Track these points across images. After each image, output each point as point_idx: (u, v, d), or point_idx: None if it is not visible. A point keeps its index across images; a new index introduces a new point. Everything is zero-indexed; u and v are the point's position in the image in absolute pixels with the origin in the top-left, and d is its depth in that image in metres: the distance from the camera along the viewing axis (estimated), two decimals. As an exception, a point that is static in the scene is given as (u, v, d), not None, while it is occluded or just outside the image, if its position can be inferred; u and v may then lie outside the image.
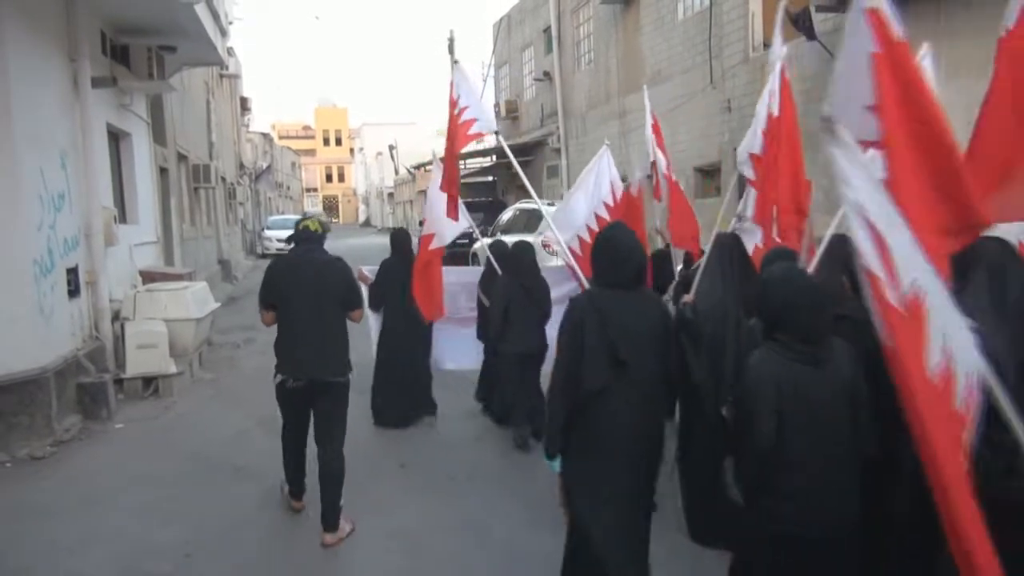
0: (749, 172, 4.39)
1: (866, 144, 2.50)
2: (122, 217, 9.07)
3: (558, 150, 19.04)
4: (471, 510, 4.71)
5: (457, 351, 6.94)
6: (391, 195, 49.13)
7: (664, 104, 13.47)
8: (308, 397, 4.32)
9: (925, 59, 4.07)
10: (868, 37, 2.70)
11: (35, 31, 6.45)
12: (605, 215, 5.80)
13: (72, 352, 6.74)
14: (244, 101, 26.36)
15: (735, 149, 11.63)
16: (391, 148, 43.39)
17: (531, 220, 12.88)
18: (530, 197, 7.09)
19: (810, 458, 2.52)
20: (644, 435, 3.02)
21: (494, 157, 23.13)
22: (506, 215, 15.74)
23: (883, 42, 2.74)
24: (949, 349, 2.08)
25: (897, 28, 2.73)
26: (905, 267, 2.09)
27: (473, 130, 5.47)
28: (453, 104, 5.51)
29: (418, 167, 31.03)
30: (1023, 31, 3.47)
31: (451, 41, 26.62)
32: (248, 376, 8.65)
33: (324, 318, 4.27)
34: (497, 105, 23.94)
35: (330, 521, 4.29)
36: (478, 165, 25.71)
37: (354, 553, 4.22)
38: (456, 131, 5.52)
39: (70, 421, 6.37)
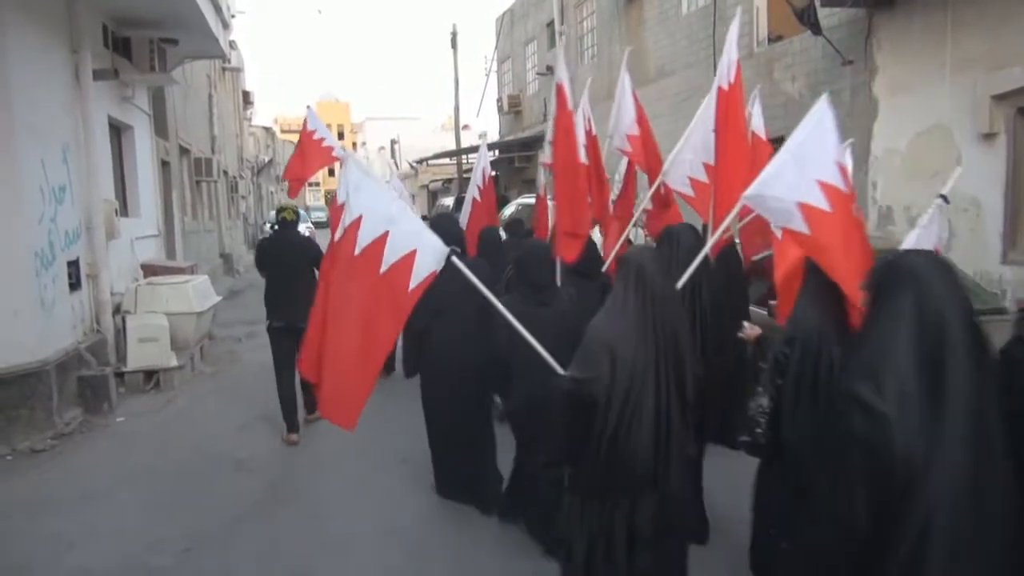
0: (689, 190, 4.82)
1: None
2: (123, 210, 9.06)
3: (561, 145, 18.97)
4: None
5: None
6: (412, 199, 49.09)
7: (668, 99, 13.41)
8: (289, 336, 5.75)
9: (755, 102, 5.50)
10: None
11: (36, 23, 6.42)
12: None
13: (73, 345, 6.73)
14: (246, 95, 26.30)
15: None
16: (393, 143, 43.32)
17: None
18: (532, 192, 7.13)
19: None
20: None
21: (496, 152, 23.10)
22: (508, 210, 15.70)
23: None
24: None
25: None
26: None
27: (418, 278, 3.01)
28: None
29: (420, 162, 30.95)
30: (739, 83, 4.26)
31: (454, 35, 26.53)
32: (249, 370, 8.63)
33: (296, 280, 5.77)
34: (500, 99, 23.88)
35: (310, 408, 6.21)
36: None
37: (354, 549, 4.22)
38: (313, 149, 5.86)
39: (71, 414, 6.36)
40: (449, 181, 31.49)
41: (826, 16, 8.80)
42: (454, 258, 3.08)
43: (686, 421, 2.68)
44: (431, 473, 4.85)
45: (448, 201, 21.97)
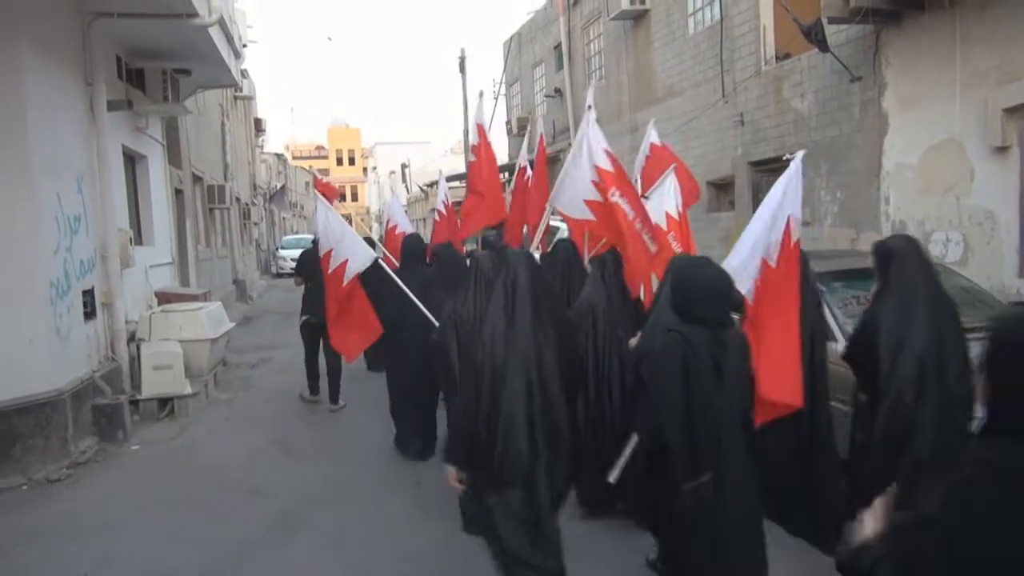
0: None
1: None
2: (138, 239, 9.14)
3: (570, 166, 19.02)
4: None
5: None
6: (404, 213, 49.25)
7: (676, 119, 13.44)
8: (317, 330, 7.36)
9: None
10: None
11: (52, 56, 6.53)
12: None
13: (88, 374, 6.76)
14: (258, 122, 26.62)
15: (749, 163, 11.57)
16: (404, 167, 43.63)
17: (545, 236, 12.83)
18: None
19: None
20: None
21: (507, 174, 23.20)
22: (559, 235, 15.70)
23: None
24: None
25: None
26: None
27: (349, 274, 5.20)
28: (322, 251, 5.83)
29: (430, 185, 31.14)
30: (543, 161, 6.63)
31: (462, 60, 26.82)
32: (263, 396, 8.65)
33: (321, 285, 6.33)
34: (509, 122, 24.02)
35: (334, 397, 7.72)
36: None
37: None
38: (333, 281, 5.49)
39: (86, 443, 6.38)
40: (459, 203, 31.62)
41: (833, 33, 8.82)
42: (380, 261, 5.47)
43: (558, 402, 3.10)
44: (447, 498, 4.80)
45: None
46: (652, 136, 6.75)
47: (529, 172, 7.18)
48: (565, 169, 5.11)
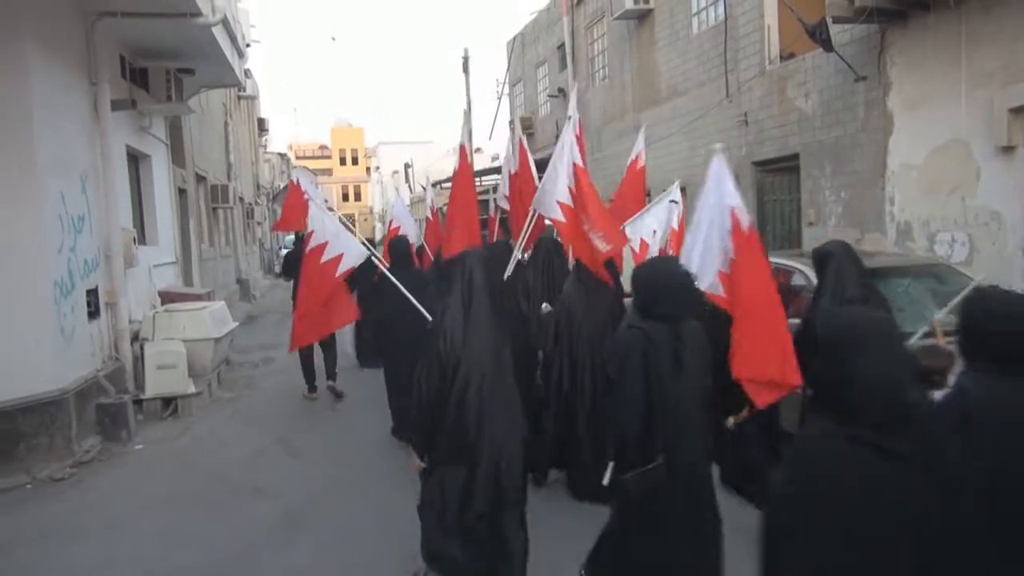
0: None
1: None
2: (141, 238, 9.16)
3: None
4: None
5: None
6: (408, 213, 49.25)
7: (680, 119, 13.44)
8: None
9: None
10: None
11: (56, 55, 6.55)
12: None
13: (92, 373, 6.77)
14: (261, 122, 26.65)
15: (753, 163, 11.55)
16: (407, 167, 43.62)
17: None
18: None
19: None
20: None
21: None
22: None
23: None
24: None
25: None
26: None
27: (343, 267, 5.29)
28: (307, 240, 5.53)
29: (434, 185, 31.13)
30: (525, 168, 6.52)
31: (466, 60, 26.80)
32: (267, 395, 8.66)
33: None
34: (512, 122, 24.00)
35: (331, 375, 8.25)
36: (495, 181, 25.75)
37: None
38: (323, 272, 5.34)
39: (90, 442, 6.39)
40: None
41: (838, 32, 8.80)
42: (374, 260, 5.70)
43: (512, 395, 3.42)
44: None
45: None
46: (640, 144, 7.10)
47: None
48: (547, 173, 5.50)
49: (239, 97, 20.40)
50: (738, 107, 11.60)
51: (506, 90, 24.49)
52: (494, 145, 30.86)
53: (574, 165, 5.22)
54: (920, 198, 8.23)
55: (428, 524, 3.51)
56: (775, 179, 11.19)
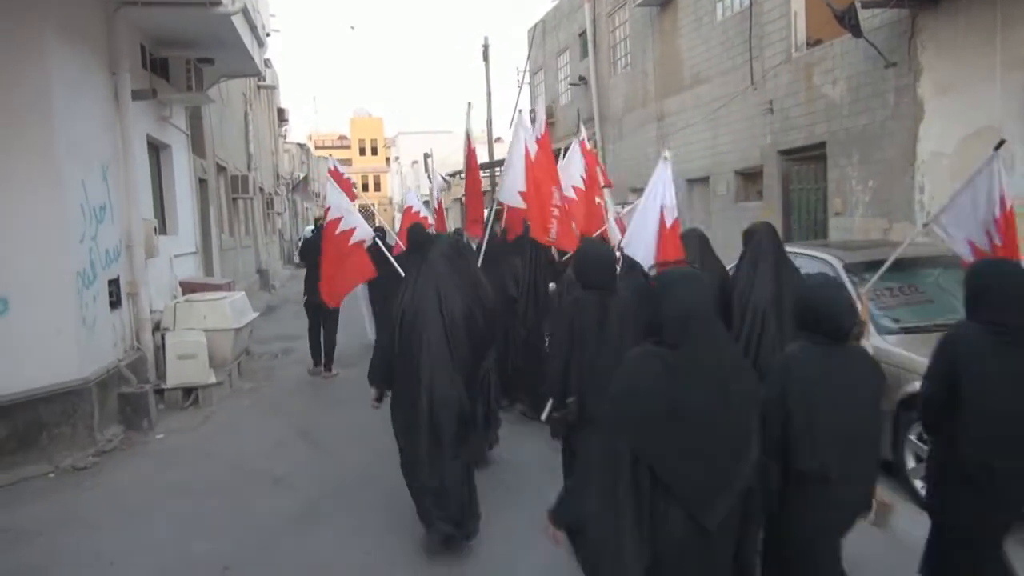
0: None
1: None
2: (162, 228, 9.22)
3: (594, 156, 18.89)
4: (516, 524, 4.58)
5: None
6: (426, 203, 49.36)
7: (704, 106, 13.28)
8: (317, 308, 8.60)
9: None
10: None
11: (77, 46, 6.58)
12: None
13: (114, 363, 6.84)
14: (281, 112, 26.77)
15: (779, 152, 11.39)
16: (426, 156, 43.64)
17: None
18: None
19: None
20: None
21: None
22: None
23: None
24: None
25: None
26: None
27: (354, 240, 6.31)
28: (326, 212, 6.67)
29: (453, 175, 31.11)
30: (546, 140, 6.50)
31: (486, 48, 26.71)
32: (286, 386, 8.71)
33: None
34: (532, 111, 23.92)
35: (328, 365, 9.04)
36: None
37: (399, 565, 4.17)
38: (339, 242, 6.33)
39: (112, 431, 6.46)
40: (485, 193, 31.52)
41: (867, 18, 8.63)
42: (378, 242, 6.71)
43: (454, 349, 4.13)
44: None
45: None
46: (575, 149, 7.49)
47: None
48: (505, 167, 6.42)
49: (259, 87, 20.50)
50: (763, 95, 11.44)
51: (527, 79, 24.38)
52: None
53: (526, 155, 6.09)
54: (951, 187, 8.04)
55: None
56: (801, 168, 11.03)
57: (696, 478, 2.30)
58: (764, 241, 4.68)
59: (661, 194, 4.95)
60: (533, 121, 7.09)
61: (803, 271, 4.86)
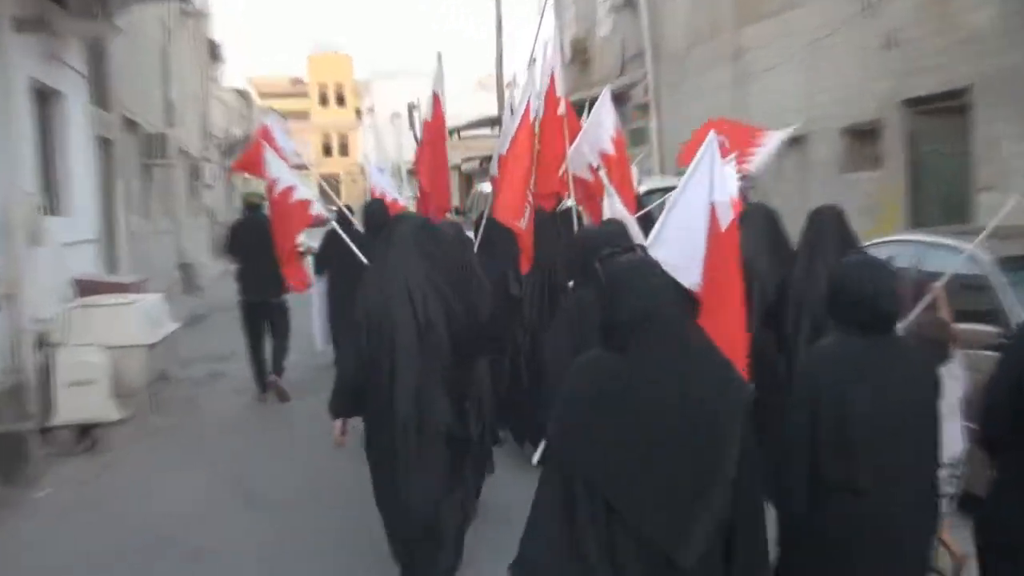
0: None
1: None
2: (51, 207, 9.27)
3: (645, 106, 18.88)
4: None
5: None
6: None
7: (796, 39, 13.24)
8: (260, 311, 9.26)
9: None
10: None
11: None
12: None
13: (-19, 391, 6.89)
14: (213, 47, 26.94)
15: (902, 102, 11.34)
16: (411, 108, 43.63)
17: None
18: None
19: None
20: None
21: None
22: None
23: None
24: None
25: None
26: None
27: (314, 211, 7.20)
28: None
29: (449, 133, 31.13)
30: (552, 108, 6.98)
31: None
32: (216, 423, 8.76)
33: (264, 258, 7.87)
34: (560, 46, 23.94)
35: (277, 370, 9.46)
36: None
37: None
38: (293, 212, 7.09)
39: (-22, 485, 6.51)
40: (489, 159, 31.51)
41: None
42: (335, 224, 7.66)
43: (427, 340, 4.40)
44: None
45: (487, 188, 22.09)
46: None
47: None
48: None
49: (183, 12, 20.60)
50: (880, 22, 11.41)
51: (550, 2, 24.38)
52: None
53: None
54: None
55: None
56: (934, 124, 10.97)
57: (657, 505, 2.46)
58: (827, 228, 5.01)
59: (709, 183, 4.70)
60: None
61: (927, 267, 4.87)
